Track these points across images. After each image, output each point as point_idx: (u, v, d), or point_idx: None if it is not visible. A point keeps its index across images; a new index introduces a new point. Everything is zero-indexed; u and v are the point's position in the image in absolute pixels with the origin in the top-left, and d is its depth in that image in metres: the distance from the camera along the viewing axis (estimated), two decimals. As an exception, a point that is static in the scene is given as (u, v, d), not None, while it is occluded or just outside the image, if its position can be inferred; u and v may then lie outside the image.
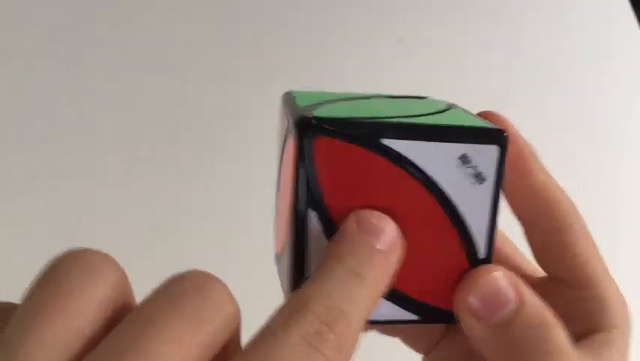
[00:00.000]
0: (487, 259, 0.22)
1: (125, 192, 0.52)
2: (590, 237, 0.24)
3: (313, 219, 0.20)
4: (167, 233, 0.51)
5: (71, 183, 0.52)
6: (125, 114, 0.55)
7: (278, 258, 0.24)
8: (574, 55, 0.66)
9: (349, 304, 0.18)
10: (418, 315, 0.22)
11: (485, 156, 0.21)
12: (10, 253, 0.48)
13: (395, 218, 0.20)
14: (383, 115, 0.21)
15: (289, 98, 0.23)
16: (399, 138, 0.20)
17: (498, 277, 0.21)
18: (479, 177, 0.21)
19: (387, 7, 0.64)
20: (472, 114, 0.23)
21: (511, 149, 0.21)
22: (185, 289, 0.17)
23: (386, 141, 0.20)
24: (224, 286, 0.18)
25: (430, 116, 0.22)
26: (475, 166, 0.21)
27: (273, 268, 0.25)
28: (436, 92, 0.62)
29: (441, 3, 0.65)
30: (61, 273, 0.17)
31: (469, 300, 0.21)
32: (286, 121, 0.22)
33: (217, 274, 0.18)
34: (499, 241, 0.23)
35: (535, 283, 0.24)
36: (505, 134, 0.21)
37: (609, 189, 0.60)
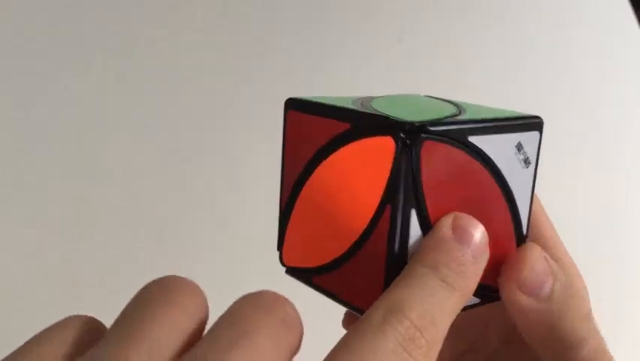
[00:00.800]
0: (526, 235, 0.24)
1: (125, 191, 0.52)
2: (606, 353, 0.24)
3: (414, 220, 0.21)
4: (168, 233, 0.51)
5: (71, 182, 0.52)
6: (125, 114, 0.55)
7: (307, 270, 0.24)
8: (574, 55, 0.66)
9: (440, 313, 0.19)
10: (478, 297, 0.23)
11: (532, 141, 0.23)
12: (9, 254, 0.49)
13: (470, 206, 0.22)
14: (444, 114, 0.22)
15: (320, 103, 0.24)
16: (481, 134, 0.21)
17: (540, 256, 0.23)
18: (527, 162, 0.23)
19: (387, 7, 0.64)
20: (474, 104, 0.25)
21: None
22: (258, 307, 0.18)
23: (472, 138, 0.21)
24: (292, 306, 0.18)
25: (472, 111, 0.23)
26: (525, 152, 0.23)
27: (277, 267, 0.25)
28: (436, 92, 0.62)
29: (441, 3, 0.65)
30: (146, 301, 0.18)
31: (522, 279, 0.22)
32: (341, 125, 0.22)
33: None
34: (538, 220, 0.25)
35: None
36: (542, 120, 0.23)
37: (609, 189, 0.60)
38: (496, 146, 0.22)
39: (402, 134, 0.20)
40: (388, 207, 0.21)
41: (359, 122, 0.22)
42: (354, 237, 0.22)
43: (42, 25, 0.56)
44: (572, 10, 0.68)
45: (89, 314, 0.19)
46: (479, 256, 0.21)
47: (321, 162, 0.23)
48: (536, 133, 0.23)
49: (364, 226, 0.22)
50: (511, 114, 0.23)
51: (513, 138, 0.22)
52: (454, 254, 0.20)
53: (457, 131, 0.21)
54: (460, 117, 0.22)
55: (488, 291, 0.23)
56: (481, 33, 0.65)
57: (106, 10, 0.58)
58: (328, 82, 0.59)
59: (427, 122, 0.21)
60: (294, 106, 0.25)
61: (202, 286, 0.20)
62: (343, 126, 0.22)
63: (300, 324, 0.18)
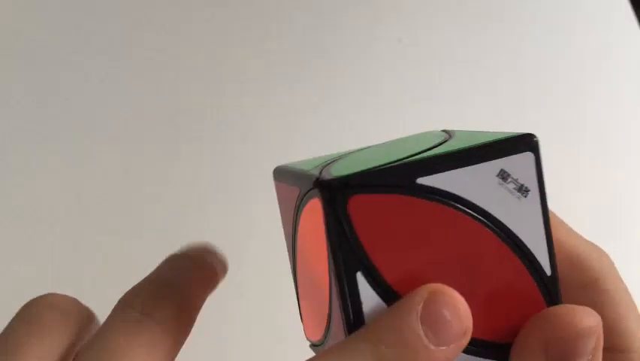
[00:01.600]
0: (554, 276, 0.20)
1: (125, 192, 0.52)
2: (623, 291, 0.21)
3: (364, 284, 0.18)
4: (168, 233, 0.51)
5: (71, 183, 0.52)
6: (124, 115, 0.55)
7: (317, 344, 0.22)
8: (573, 55, 0.66)
9: None
10: (497, 359, 0.20)
11: (522, 165, 0.19)
12: (9, 254, 0.48)
13: (448, 259, 0.19)
14: (401, 156, 0.19)
15: (286, 170, 0.22)
16: (434, 173, 0.18)
17: (591, 332, 0.18)
18: (523, 190, 0.19)
19: (387, 7, 0.64)
20: (477, 131, 0.22)
21: None
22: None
23: (421, 180, 0.18)
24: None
25: (448, 144, 0.20)
26: (517, 179, 0.19)
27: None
28: (436, 92, 0.62)
29: (441, 3, 0.65)
30: (32, 316, 0.18)
31: (552, 342, 0.18)
32: (297, 190, 0.21)
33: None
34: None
35: None
36: (535, 138, 0.19)
37: (609, 190, 0.60)
38: (466, 181, 0.19)
39: (324, 193, 0.18)
40: (333, 274, 0.18)
41: (301, 186, 0.20)
42: (326, 311, 0.20)
43: (43, 25, 0.56)
44: (572, 10, 0.68)
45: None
46: (447, 344, 0.17)
47: (296, 231, 0.21)
48: (528, 154, 0.19)
49: (327, 300, 0.19)
50: (493, 138, 0.20)
51: (491, 166, 0.19)
52: (406, 335, 0.16)
53: (395, 176, 0.18)
54: (412, 158, 0.19)
55: (504, 350, 0.19)
56: (481, 33, 0.65)
57: (107, 10, 0.58)
58: (328, 82, 0.59)
59: (352, 175, 0.18)
60: (275, 176, 0.23)
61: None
62: (296, 191, 0.20)
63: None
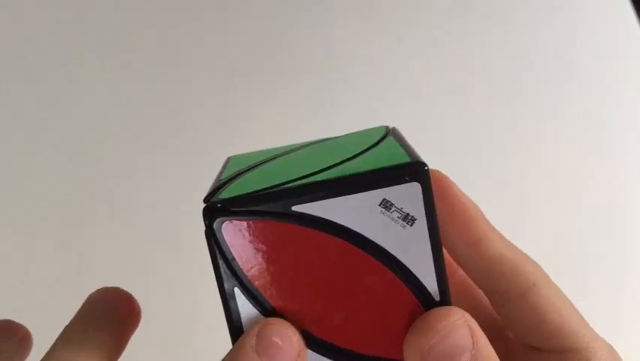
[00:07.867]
0: (444, 301, 0.20)
1: (125, 191, 0.52)
2: (559, 292, 0.22)
3: (242, 298, 0.19)
4: (168, 233, 0.51)
5: (70, 183, 0.52)
6: (125, 114, 0.55)
7: None
8: (574, 55, 0.66)
9: None
10: None
11: (408, 195, 0.19)
12: (9, 252, 0.48)
13: (325, 281, 0.19)
14: (293, 176, 0.19)
15: (223, 167, 0.23)
16: (309, 202, 0.19)
17: (459, 323, 0.19)
18: (408, 219, 0.19)
19: (387, 7, 0.64)
20: (401, 145, 0.21)
21: (455, 213, 0.21)
22: None
23: (297, 207, 0.19)
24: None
25: (341, 167, 0.20)
26: (401, 208, 0.19)
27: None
28: (435, 93, 0.62)
29: (441, 3, 0.65)
30: None
31: (426, 348, 0.19)
32: None
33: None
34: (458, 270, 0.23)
35: (514, 348, 0.23)
36: (424, 168, 0.19)
37: (609, 190, 0.60)
38: (344, 209, 0.19)
39: (204, 216, 0.19)
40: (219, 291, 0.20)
41: None
42: None
43: (43, 25, 0.56)
44: (572, 11, 0.68)
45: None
46: None
47: None
48: (414, 184, 0.19)
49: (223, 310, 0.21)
50: (383, 164, 0.19)
51: (371, 195, 0.19)
52: None
53: (269, 203, 0.19)
54: (293, 184, 0.19)
55: None
56: (480, 33, 0.65)
57: (107, 9, 0.58)
58: (328, 82, 0.59)
59: (231, 199, 0.19)
60: None
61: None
62: None
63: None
